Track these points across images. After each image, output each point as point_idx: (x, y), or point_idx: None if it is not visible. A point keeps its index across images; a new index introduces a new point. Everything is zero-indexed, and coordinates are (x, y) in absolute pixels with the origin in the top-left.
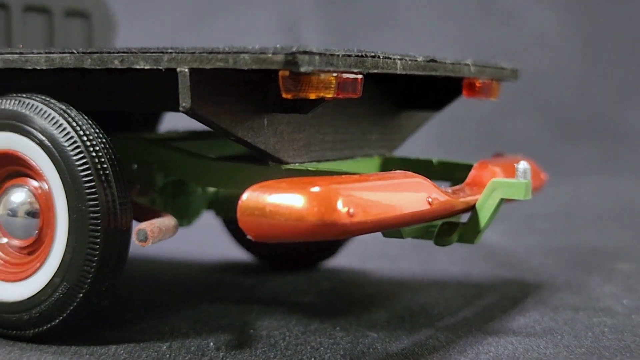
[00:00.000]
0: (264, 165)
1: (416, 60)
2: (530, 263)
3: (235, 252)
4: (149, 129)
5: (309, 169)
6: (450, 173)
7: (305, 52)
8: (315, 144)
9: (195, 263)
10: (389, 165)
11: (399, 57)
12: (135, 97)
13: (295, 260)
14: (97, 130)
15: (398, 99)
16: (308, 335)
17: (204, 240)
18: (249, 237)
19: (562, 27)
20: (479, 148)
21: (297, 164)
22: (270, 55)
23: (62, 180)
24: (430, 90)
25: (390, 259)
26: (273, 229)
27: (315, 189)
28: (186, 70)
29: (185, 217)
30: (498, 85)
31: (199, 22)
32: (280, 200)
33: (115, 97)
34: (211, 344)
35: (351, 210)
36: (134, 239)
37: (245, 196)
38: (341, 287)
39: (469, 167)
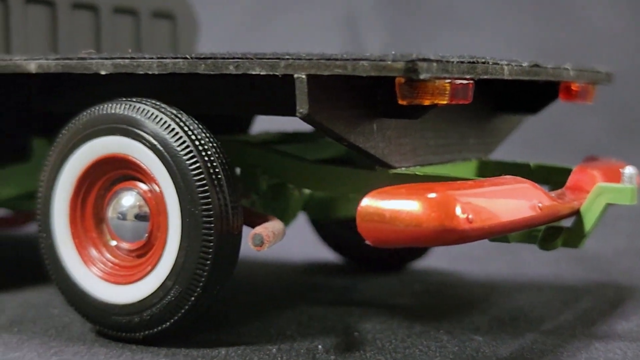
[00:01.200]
0: (371, 170)
1: (521, 66)
2: (621, 266)
3: (321, 254)
4: (243, 131)
5: (417, 173)
6: (547, 177)
7: (424, 60)
8: (420, 148)
9: (285, 264)
10: (486, 169)
11: (506, 62)
12: (247, 101)
13: (383, 262)
14: (208, 134)
15: (495, 103)
16: (414, 339)
17: (290, 241)
18: (367, 242)
19: (624, 24)
20: (546, 148)
21: (403, 169)
22: (389, 62)
23: (174, 184)
24: (528, 94)
25: (477, 261)
26: (392, 234)
27: (434, 195)
28: (303, 76)
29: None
30: (594, 88)
31: (260, 21)
32: (400, 207)
33: (227, 101)
34: (319, 346)
35: (470, 217)
36: (249, 243)
37: (364, 202)
38: (434, 289)
39: (566, 171)
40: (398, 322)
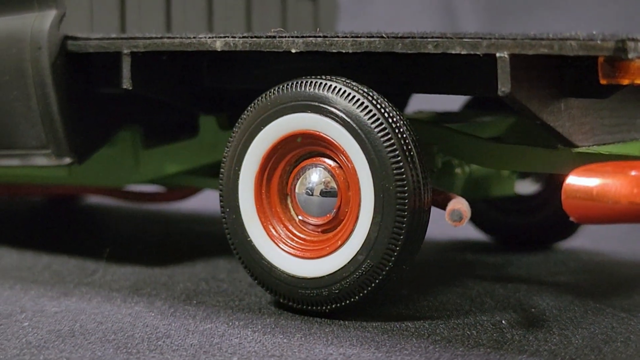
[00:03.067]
0: (553, 148)
1: None
2: None
3: (459, 232)
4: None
5: (601, 152)
6: None
7: (633, 40)
8: (597, 127)
9: (428, 242)
10: None
11: None
12: (442, 81)
13: (530, 242)
14: (398, 111)
15: None
16: (592, 315)
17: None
18: (571, 219)
19: None
20: None
21: (584, 147)
22: (598, 42)
23: (368, 160)
24: None
25: (620, 242)
26: (599, 212)
27: None
28: (506, 55)
29: None
30: None
31: (353, 5)
32: (608, 184)
33: (422, 81)
34: (503, 321)
35: None
36: (447, 219)
37: (570, 179)
38: (591, 268)
39: None
40: (569, 300)
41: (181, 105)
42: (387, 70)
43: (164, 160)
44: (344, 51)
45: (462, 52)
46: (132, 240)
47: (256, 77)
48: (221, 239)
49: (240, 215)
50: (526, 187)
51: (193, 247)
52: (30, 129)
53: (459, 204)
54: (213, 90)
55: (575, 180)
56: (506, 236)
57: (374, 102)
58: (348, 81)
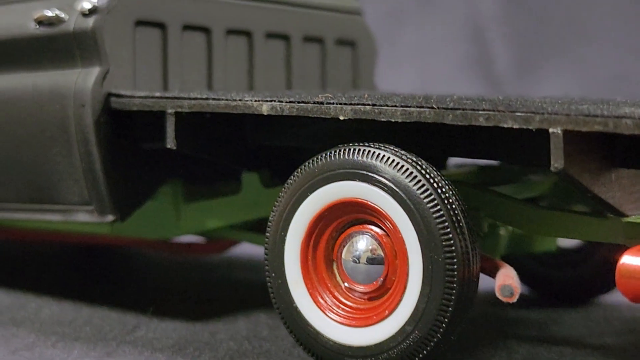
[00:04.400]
0: (601, 217)
1: None
2: None
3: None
4: (442, 166)
5: None
6: None
7: None
8: None
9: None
10: None
11: None
12: (492, 150)
13: (573, 294)
14: (446, 180)
15: None
16: None
17: None
18: (627, 299)
19: None
20: None
21: (634, 217)
22: None
23: (416, 230)
24: None
25: None
26: None
27: None
28: (559, 131)
29: None
30: None
31: (384, 34)
32: None
33: (471, 149)
34: None
35: None
36: (497, 294)
37: (626, 259)
38: (633, 327)
39: None
40: None
41: (224, 163)
42: (435, 136)
43: (205, 215)
44: (393, 120)
45: (514, 126)
46: (170, 290)
47: (301, 136)
48: (260, 287)
49: (286, 280)
50: (568, 241)
51: (233, 297)
52: (72, 185)
53: (510, 279)
54: (256, 147)
55: (631, 260)
56: (547, 289)
57: (423, 171)
58: (396, 149)
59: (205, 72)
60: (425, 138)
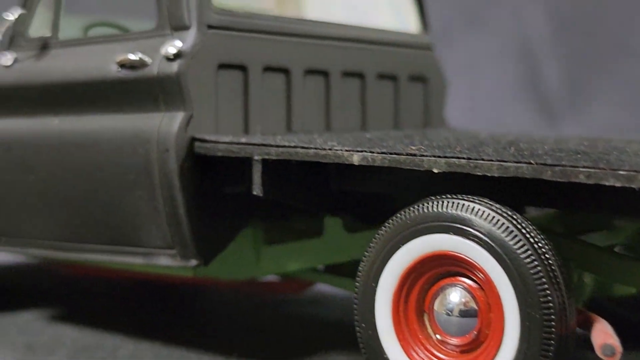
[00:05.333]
0: None
1: None
2: None
3: None
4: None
5: None
6: None
7: None
8: None
9: None
10: None
11: None
12: (589, 202)
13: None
14: (542, 234)
15: None
16: None
17: None
18: None
19: None
20: None
21: None
22: None
23: (512, 285)
24: None
25: None
26: None
27: None
28: None
29: None
30: None
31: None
32: None
33: (571, 203)
34: None
35: None
36: (598, 352)
37: None
38: None
39: None
40: None
41: (307, 208)
42: (529, 188)
43: (285, 258)
44: (489, 175)
45: (616, 185)
46: (250, 329)
47: (388, 184)
48: (335, 324)
49: (376, 331)
50: None
51: (312, 339)
52: (155, 228)
53: (610, 337)
54: (340, 193)
55: None
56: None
57: (518, 225)
58: (490, 203)
59: (284, 112)
60: (520, 189)
